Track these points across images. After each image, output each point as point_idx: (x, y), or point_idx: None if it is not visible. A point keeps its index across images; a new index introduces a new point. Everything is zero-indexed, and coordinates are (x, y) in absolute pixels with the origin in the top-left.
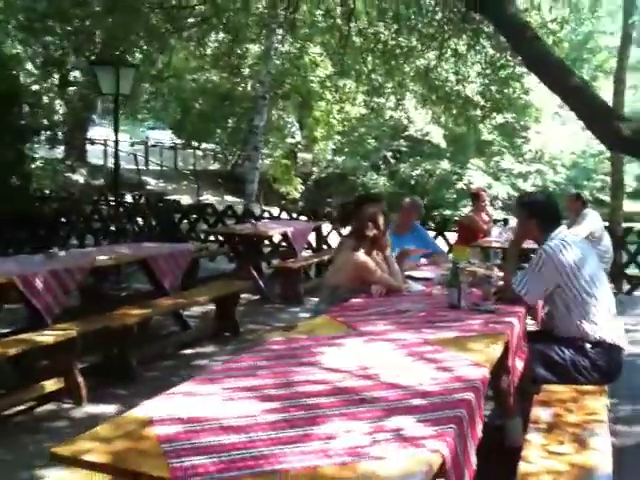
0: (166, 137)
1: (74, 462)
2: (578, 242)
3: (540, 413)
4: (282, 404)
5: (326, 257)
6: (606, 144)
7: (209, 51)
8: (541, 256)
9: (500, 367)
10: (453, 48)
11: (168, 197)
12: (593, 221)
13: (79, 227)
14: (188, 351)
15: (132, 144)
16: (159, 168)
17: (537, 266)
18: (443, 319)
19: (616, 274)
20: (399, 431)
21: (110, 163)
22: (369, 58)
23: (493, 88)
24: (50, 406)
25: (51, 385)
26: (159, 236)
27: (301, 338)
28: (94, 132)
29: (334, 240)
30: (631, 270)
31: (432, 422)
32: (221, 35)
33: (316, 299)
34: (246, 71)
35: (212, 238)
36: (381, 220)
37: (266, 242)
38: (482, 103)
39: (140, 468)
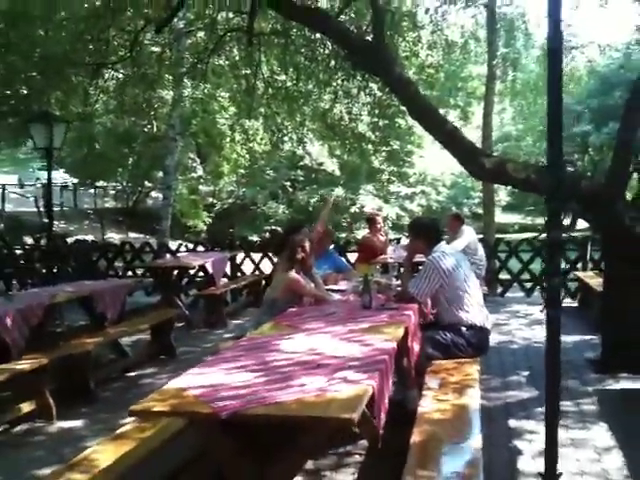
0: (58, 177)
1: (148, 414)
2: (453, 253)
3: (431, 379)
4: (265, 373)
5: (242, 283)
6: (475, 176)
7: (120, 98)
8: (427, 265)
9: (402, 349)
10: (345, 91)
11: (72, 237)
12: (469, 236)
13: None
14: (132, 374)
15: (21, 186)
16: (59, 209)
17: (425, 272)
18: (360, 316)
19: (490, 279)
20: (345, 378)
21: (7, 207)
22: (272, 102)
23: (381, 124)
24: (25, 425)
25: (26, 407)
26: (78, 276)
27: (260, 337)
28: None
29: (248, 268)
30: (503, 275)
31: (364, 372)
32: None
33: (238, 321)
34: (152, 113)
35: (130, 273)
36: (307, 245)
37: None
38: (372, 138)
39: (194, 409)
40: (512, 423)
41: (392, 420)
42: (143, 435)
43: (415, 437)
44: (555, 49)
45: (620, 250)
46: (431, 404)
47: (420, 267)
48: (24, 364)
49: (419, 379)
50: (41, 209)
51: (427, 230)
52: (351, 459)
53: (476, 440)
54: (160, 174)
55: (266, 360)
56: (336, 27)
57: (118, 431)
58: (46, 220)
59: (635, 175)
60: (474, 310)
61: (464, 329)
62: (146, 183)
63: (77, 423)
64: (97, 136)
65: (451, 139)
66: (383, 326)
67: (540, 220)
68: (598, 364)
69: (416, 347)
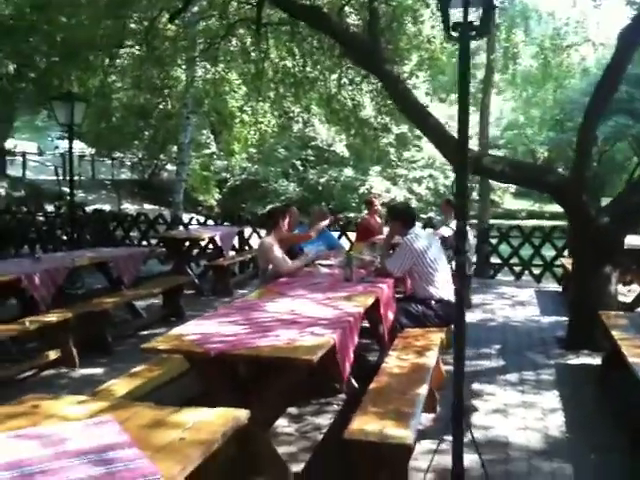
0: (76, 147)
1: (155, 350)
2: (425, 235)
3: (399, 342)
4: (249, 326)
5: (249, 256)
6: (454, 167)
7: (136, 75)
8: (402, 245)
9: (376, 318)
10: (350, 78)
11: (90, 207)
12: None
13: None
14: (145, 332)
15: (41, 154)
16: (77, 178)
17: (400, 251)
18: (340, 287)
19: (482, 262)
20: (312, 332)
21: (27, 175)
22: (280, 87)
23: (384, 110)
24: (52, 371)
25: (52, 354)
26: (96, 243)
27: (251, 300)
28: (10, 144)
29: (255, 242)
30: (493, 259)
31: (330, 327)
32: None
33: (244, 290)
34: (166, 92)
35: (144, 243)
36: (283, 216)
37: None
38: (375, 125)
39: (190, 349)
40: (475, 386)
41: (368, 376)
42: (151, 374)
43: (373, 385)
44: (463, 72)
45: (585, 239)
46: (393, 361)
47: (396, 248)
48: (52, 317)
49: (392, 343)
50: (60, 178)
51: (403, 215)
52: (330, 407)
53: (422, 389)
54: (175, 148)
55: (252, 317)
56: (334, 25)
57: (131, 370)
58: (65, 189)
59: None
60: (443, 286)
61: (433, 302)
62: (161, 157)
63: (96, 370)
64: (114, 110)
65: (434, 131)
66: (356, 295)
67: (548, 207)
68: (564, 341)
69: (390, 316)
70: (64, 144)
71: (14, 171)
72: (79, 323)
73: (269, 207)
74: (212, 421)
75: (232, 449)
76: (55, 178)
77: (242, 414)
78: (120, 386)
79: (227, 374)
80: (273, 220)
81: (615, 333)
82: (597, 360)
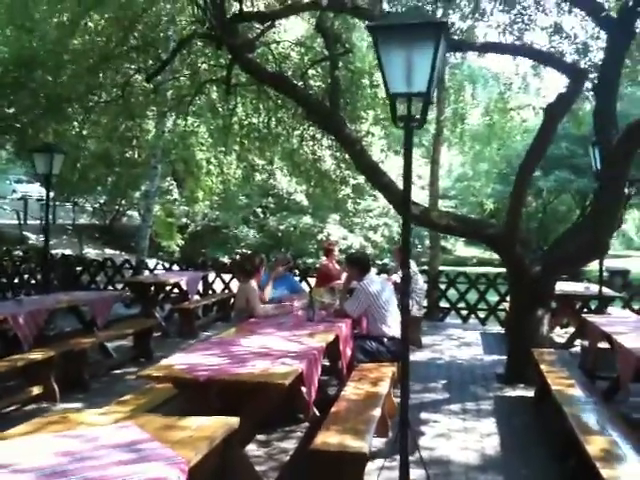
0: (34, 190)
1: (149, 377)
2: (379, 280)
3: (356, 374)
4: (228, 357)
5: (213, 300)
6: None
7: (110, 127)
8: (358, 289)
9: (336, 354)
10: (311, 134)
11: (52, 251)
12: (411, 268)
13: None
14: (117, 371)
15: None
16: (38, 222)
17: (357, 295)
18: (304, 325)
19: (432, 306)
20: (283, 362)
21: None
22: (246, 141)
23: (343, 166)
24: (34, 405)
25: (35, 390)
26: (63, 287)
27: (228, 337)
28: None
29: (218, 286)
30: (442, 303)
31: (297, 359)
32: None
33: (208, 333)
34: (134, 142)
35: (110, 287)
36: (256, 261)
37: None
38: (333, 177)
39: (180, 376)
40: (422, 415)
41: (328, 406)
42: (139, 402)
43: (333, 409)
44: (408, 152)
45: (520, 285)
46: (351, 390)
47: (354, 292)
48: (37, 355)
49: (350, 376)
50: (22, 222)
51: (359, 262)
52: (294, 434)
53: (376, 411)
54: (137, 195)
55: (230, 350)
56: (298, 92)
57: (120, 398)
58: (26, 233)
59: None
60: (394, 326)
61: (386, 340)
62: (123, 202)
63: (76, 405)
64: (82, 159)
65: (387, 190)
66: (319, 333)
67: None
68: (502, 377)
69: (348, 352)
70: (22, 187)
71: None
72: (59, 361)
73: (241, 254)
74: (211, 425)
75: (216, 459)
76: (15, 222)
77: (234, 421)
78: (116, 410)
79: (212, 398)
80: (254, 267)
81: (543, 367)
82: (531, 392)
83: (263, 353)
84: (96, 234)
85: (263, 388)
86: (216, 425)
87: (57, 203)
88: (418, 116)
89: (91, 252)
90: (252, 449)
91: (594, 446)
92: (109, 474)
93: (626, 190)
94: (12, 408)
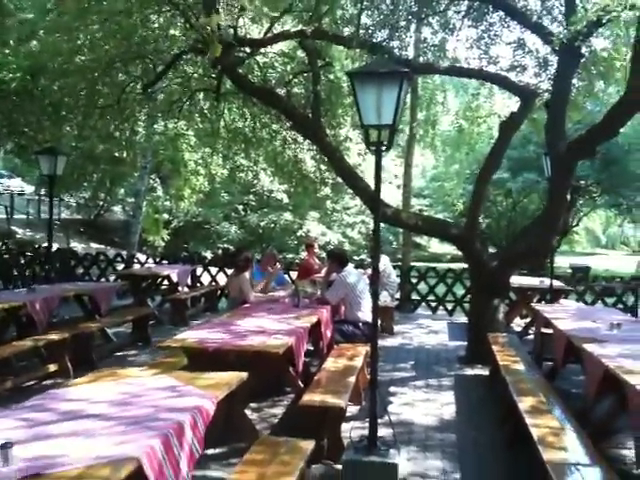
0: (15, 185)
1: (167, 348)
2: (355, 273)
3: (334, 353)
4: (230, 334)
5: (201, 292)
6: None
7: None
8: (337, 280)
9: (317, 336)
10: (293, 138)
11: (40, 245)
12: (384, 263)
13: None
14: (119, 354)
15: None
16: (25, 217)
17: (336, 285)
18: (290, 310)
19: (404, 298)
20: (276, 337)
21: None
22: (232, 144)
23: (323, 167)
24: (50, 381)
25: (52, 367)
26: (59, 279)
27: (226, 319)
28: None
29: (206, 279)
30: (413, 296)
31: (287, 335)
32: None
33: (197, 321)
34: (123, 143)
35: (102, 279)
36: (249, 257)
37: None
38: (314, 179)
39: (194, 346)
40: (391, 388)
41: (311, 380)
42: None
43: (316, 378)
44: (377, 172)
45: (479, 279)
46: (330, 364)
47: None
48: (53, 336)
49: (329, 354)
50: (9, 217)
51: (339, 257)
52: (282, 403)
53: (351, 379)
54: (122, 191)
55: (230, 328)
56: (283, 104)
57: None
58: (14, 228)
59: None
60: (367, 312)
61: (361, 324)
62: (107, 198)
63: None
64: (75, 158)
65: (363, 192)
66: (304, 316)
67: None
68: (463, 359)
69: (329, 334)
70: (7, 182)
71: None
72: (71, 343)
73: (224, 249)
74: (227, 376)
75: (224, 409)
76: (3, 217)
77: (244, 375)
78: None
79: (218, 365)
80: (246, 262)
81: (495, 348)
82: (487, 371)
83: (259, 331)
84: (81, 228)
85: (262, 356)
86: (231, 377)
87: (43, 198)
88: (386, 142)
89: (77, 246)
90: (247, 413)
91: (525, 404)
92: (160, 404)
93: (568, 197)
94: (31, 383)
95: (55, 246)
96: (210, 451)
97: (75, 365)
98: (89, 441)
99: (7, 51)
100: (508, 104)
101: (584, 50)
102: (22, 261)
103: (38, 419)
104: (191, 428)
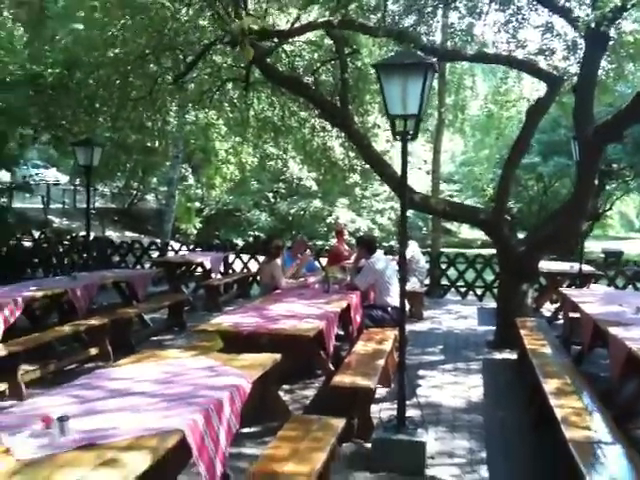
0: (50, 175)
1: (203, 331)
2: (384, 259)
3: (364, 337)
4: (263, 318)
5: (233, 278)
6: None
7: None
8: (366, 267)
9: (347, 320)
10: (322, 126)
11: (74, 234)
12: (412, 249)
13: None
14: (155, 338)
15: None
16: (61, 206)
17: (365, 271)
18: (321, 296)
19: (433, 284)
20: (307, 321)
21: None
22: (262, 133)
23: (351, 155)
24: (91, 364)
25: (93, 351)
26: (97, 267)
27: (259, 304)
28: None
29: (237, 266)
30: (443, 281)
31: (318, 319)
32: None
33: (230, 307)
34: (156, 133)
35: (138, 267)
36: (280, 244)
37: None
38: (342, 166)
39: (228, 329)
40: (420, 372)
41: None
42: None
43: (346, 360)
44: (404, 161)
45: (507, 264)
46: (360, 348)
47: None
48: (94, 321)
49: (359, 338)
50: (45, 207)
51: (368, 243)
52: (313, 385)
53: (380, 361)
54: (154, 180)
55: (262, 313)
56: (312, 93)
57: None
58: (50, 217)
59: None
60: (396, 297)
61: (389, 309)
62: (140, 187)
63: None
64: (110, 148)
65: (391, 179)
66: (334, 301)
67: None
68: (491, 343)
69: (358, 319)
70: (43, 172)
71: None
72: (110, 327)
73: (256, 237)
74: (262, 357)
75: (258, 389)
76: (37, 206)
77: (277, 357)
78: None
79: (252, 348)
80: (278, 249)
81: (523, 332)
82: (515, 355)
83: (290, 315)
84: (115, 217)
85: (293, 339)
86: (265, 358)
87: (78, 188)
88: (412, 131)
89: (112, 234)
90: (280, 395)
91: (550, 385)
92: (200, 382)
93: (596, 181)
94: (73, 366)
95: (92, 235)
96: (245, 430)
97: (114, 349)
98: (136, 415)
99: (46, 47)
100: (537, 88)
101: (612, 33)
102: (60, 250)
103: (88, 396)
104: (229, 405)
